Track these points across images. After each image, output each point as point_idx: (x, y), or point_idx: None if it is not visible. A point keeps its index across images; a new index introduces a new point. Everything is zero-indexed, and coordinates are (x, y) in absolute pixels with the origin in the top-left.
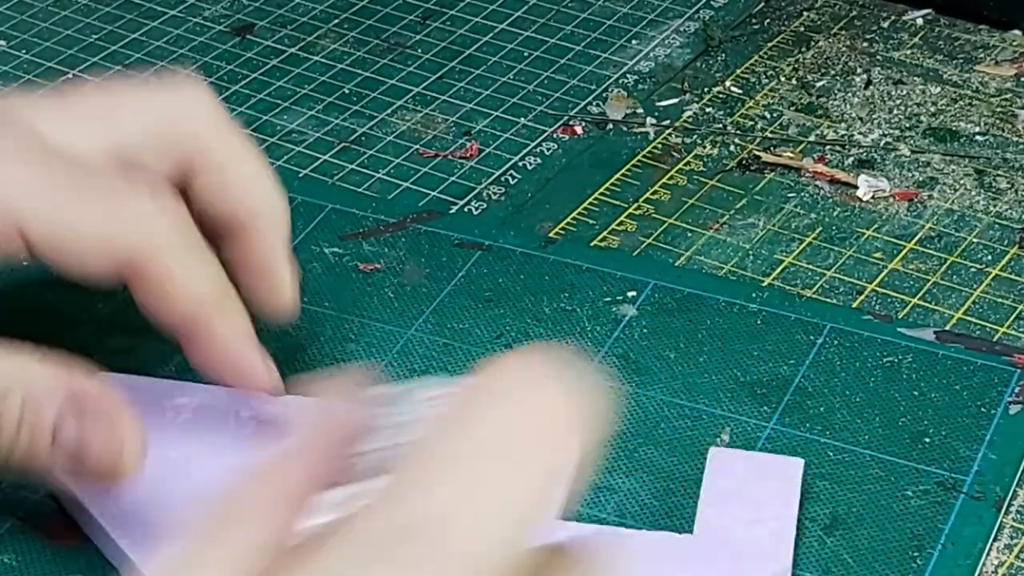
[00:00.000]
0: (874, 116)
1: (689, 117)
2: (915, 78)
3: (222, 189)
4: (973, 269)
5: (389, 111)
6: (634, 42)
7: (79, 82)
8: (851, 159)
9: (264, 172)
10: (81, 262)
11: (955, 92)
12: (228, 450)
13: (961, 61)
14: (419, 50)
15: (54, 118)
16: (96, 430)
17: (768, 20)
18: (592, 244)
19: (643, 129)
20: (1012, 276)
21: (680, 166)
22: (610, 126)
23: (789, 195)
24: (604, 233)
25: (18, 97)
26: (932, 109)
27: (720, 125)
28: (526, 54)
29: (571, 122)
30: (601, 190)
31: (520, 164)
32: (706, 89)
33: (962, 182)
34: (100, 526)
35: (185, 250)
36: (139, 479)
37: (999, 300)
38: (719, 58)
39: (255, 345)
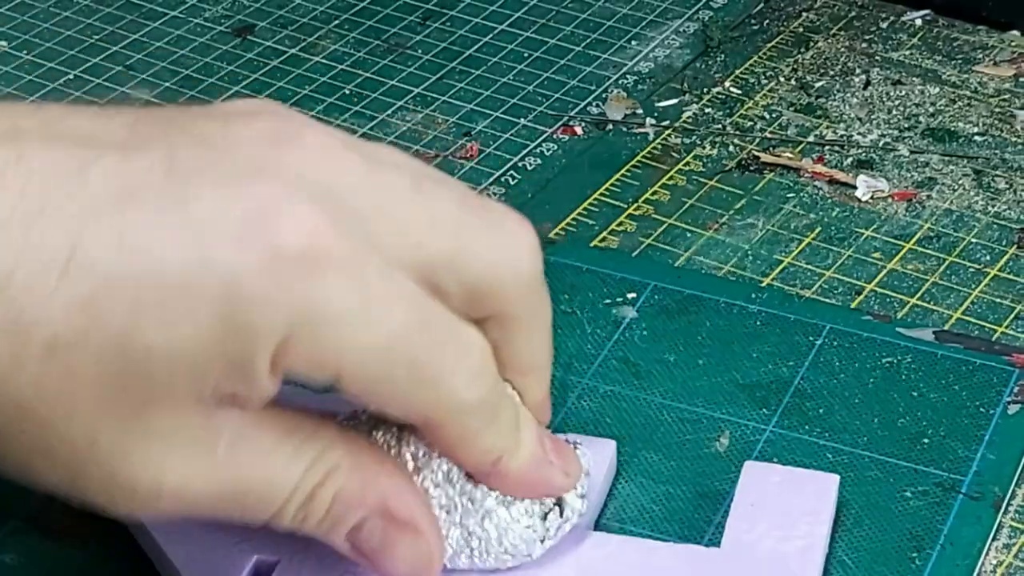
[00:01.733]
0: (873, 116)
1: (689, 118)
2: (914, 79)
3: (512, 344)
4: (972, 269)
5: (389, 112)
6: (634, 43)
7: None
8: (850, 159)
9: (549, 332)
10: (379, 409)
11: (954, 92)
12: None
13: (960, 62)
14: (419, 51)
15: (398, 219)
16: (399, 545)
17: (767, 21)
18: (592, 244)
19: (643, 129)
20: (1011, 276)
21: (680, 166)
22: (610, 126)
23: (788, 195)
24: (604, 233)
25: (345, 167)
26: (931, 109)
27: (719, 125)
28: (526, 55)
29: (571, 122)
30: (601, 190)
31: (520, 164)
32: (705, 90)
33: (961, 182)
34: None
35: (489, 414)
36: None
37: (998, 300)
38: (718, 59)
39: (547, 465)
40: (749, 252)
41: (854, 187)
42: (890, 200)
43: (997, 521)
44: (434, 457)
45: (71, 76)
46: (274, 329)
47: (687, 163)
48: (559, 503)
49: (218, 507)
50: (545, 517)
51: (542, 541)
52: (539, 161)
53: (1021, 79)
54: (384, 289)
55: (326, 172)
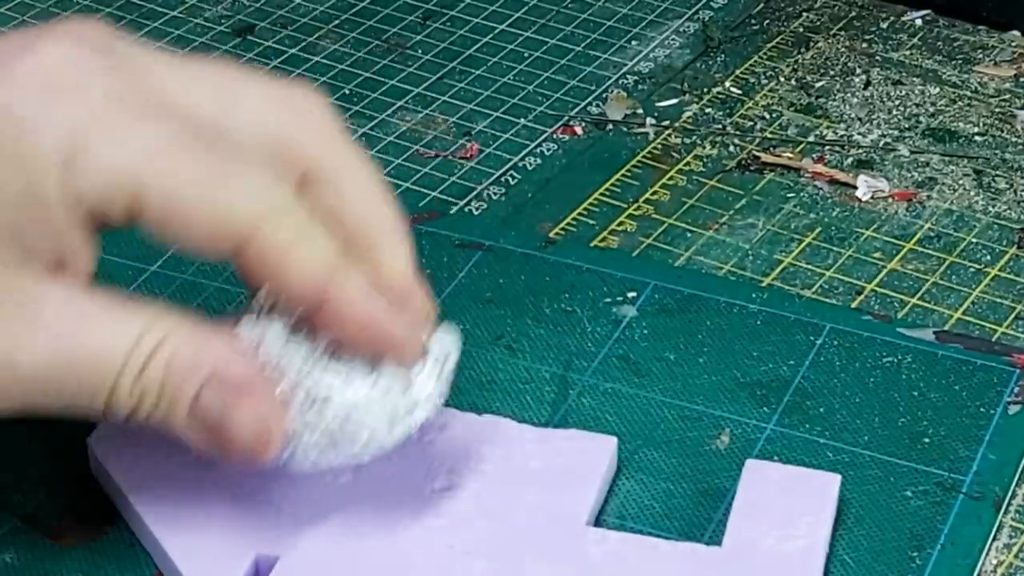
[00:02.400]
0: (873, 116)
1: (689, 118)
2: (914, 79)
3: (339, 203)
4: (972, 269)
5: (389, 112)
6: (634, 43)
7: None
8: (850, 159)
9: (383, 187)
10: (190, 235)
11: (954, 93)
12: None
13: (960, 62)
14: (419, 51)
15: (178, 77)
16: (240, 407)
17: (767, 21)
18: (592, 244)
19: (643, 129)
20: (1011, 276)
21: (680, 166)
22: (610, 126)
23: (788, 195)
24: (604, 233)
25: (133, 43)
26: (931, 109)
27: (720, 125)
28: (526, 55)
29: (571, 122)
30: (601, 190)
31: (520, 164)
32: (706, 90)
33: (961, 182)
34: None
35: (299, 222)
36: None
37: (998, 300)
38: (719, 59)
39: (388, 305)
40: (749, 252)
41: (854, 187)
42: (890, 200)
43: (997, 521)
44: (270, 342)
45: None
46: (47, 149)
47: (687, 163)
48: (406, 385)
49: (50, 384)
50: (391, 397)
51: (391, 424)
52: (539, 161)
53: (1021, 79)
54: (154, 101)
55: (100, 30)
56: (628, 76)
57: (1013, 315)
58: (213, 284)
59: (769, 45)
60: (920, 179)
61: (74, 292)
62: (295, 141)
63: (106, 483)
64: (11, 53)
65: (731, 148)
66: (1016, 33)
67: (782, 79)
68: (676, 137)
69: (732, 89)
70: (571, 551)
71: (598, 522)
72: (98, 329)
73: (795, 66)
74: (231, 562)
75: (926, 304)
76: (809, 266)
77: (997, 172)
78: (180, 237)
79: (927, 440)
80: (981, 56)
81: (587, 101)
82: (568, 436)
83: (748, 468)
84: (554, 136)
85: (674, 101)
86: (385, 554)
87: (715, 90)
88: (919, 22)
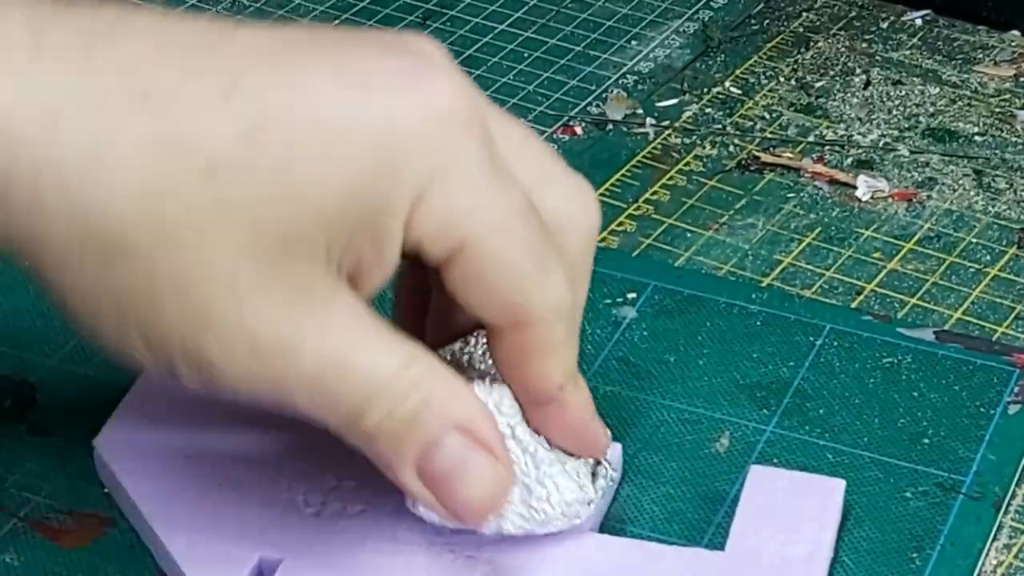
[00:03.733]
0: (873, 116)
1: (689, 118)
2: (914, 79)
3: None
4: (972, 269)
5: None
6: (634, 43)
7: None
8: (850, 159)
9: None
10: (483, 300)
11: (954, 93)
12: None
13: (960, 62)
14: None
15: (518, 150)
16: (479, 463)
17: (767, 21)
18: None
19: (643, 129)
20: (1011, 276)
21: (680, 166)
22: (610, 126)
23: (788, 195)
24: (604, 233)
25: (478, 95)
26: (931, 109)
27: (720, 125)
28: (526, 55)
29: (571, 122)
30: (601, 190)
31: None
32: (706, 90)
33: (961, 182)
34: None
35: (573, 328)
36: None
37: (998, 300)
38: (718, 59)
39: (597, 417)
40: (749, 252)
41: (854, 187)
42: (890, 200)
43: (997, 521)
44: (505, 410)
45: None
46: (418, 176)
47: (687, 163)
48: (604, 465)
49: (319, 385)
50: (594, 477)
51: (590, 503)
52: None
53: (1021, 79)
54: (507, 168)
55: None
56: (628, 76)
57: (1013, 315)
58: None
59: (769, 45)
60: (920, 179)
61: (361, 306)
62: (573, 240)
63: (111, 485)
64: (403, 71)
65: (731, 148)
66: (1016, 33)
67: (782, 79)
68: (676, 137)
69: (732, 89)
70: (574, 557)
71: (601, 528)
72: (374, 346)
73: (795, 66)
74: (235, 564)
75: (926, 304)
76: (809, 266)
77: (997, 172)
78: (470, 299)
79: (927, 441)
80: (981, 56)
81: (587, 101)
82: None
83: (752, 473)
84: (554, 136)
85: (674, 101)
86: (388, 558)
87: (715, 90)
88: (919, 22)
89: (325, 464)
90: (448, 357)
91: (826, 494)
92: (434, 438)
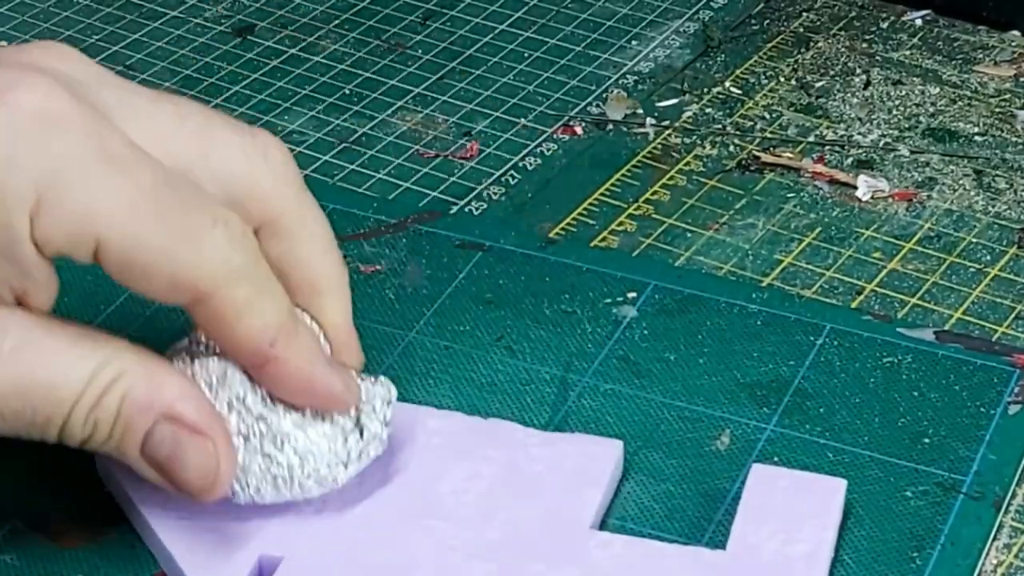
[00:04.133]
0: (873, 116)
1: (689, 118)
2: (914, 79)
3: (292, 254)
4: (972, 269)
5: (389, 112)
6: (634, 43)
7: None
8: (850, 159)
9: (332, 244)
10: (150, 286)
11: (954, 93)
12: None
13: (960, 62)
14: (419, 51)
15: (155, 123)
16: (189, 448)
17: (767, 21)
18: (592, 244)
19: (643, 129)
20: (1011, 276)
21: (680, 166)
22: (610, 126)
23: (788, 195)
24: (604, 233)
25: (112, 80)
26: (931, 109)
27: (720, 125)
28: (526, 55)
29: (571, 122)
30: (601, 190)
31: (520, 164)
32: (706, 90)
33: (961, 182)
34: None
35: (257, 283)
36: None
37: (998, 300)
38: (719, 59)
39: (327, 365)
40: (749, 252)
41: (854, 187)
42: (890, 200)
43: (998, 521)
44: (227, 382)
45: None
46: (22, 191)
47: (687, 163)
48: (360, 427)
49: (6, 410)
50: (346, 440)
51: (345, 465)
52: (539, 161)
53: (1021, 79)
54: (127, 152)
55: (74, 69)
56: (628, 76)
57: (1013, 315)
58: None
59: (769, 45)
60: (920, 179)
61: (34, 324)
62: (261, 192)
63: (111, 484)
64: None
65: (731, 148)
66: (1016, 33)
67: (782, 79)
68: (676, 137)
69: (732, 89)
70: (575, 554)
71: (602, 525)
72: (55, 362)
73: (795, 66)
74: (235, 563)
75: (926, 304)
76: (809, 266)
77: (997, 172)
78: (139, 287)
79: (927, 440)
80: (981, 56)
81: (587, 101)
82: (573, 440)
83: (754, 472)
84: (554, 136)
85: (674, 101)
86: (388, 556)
87: (715, 90)
88: (919, 22)
89: None
90: (176, 349)
91: (827, 493)
92: (143, 430)
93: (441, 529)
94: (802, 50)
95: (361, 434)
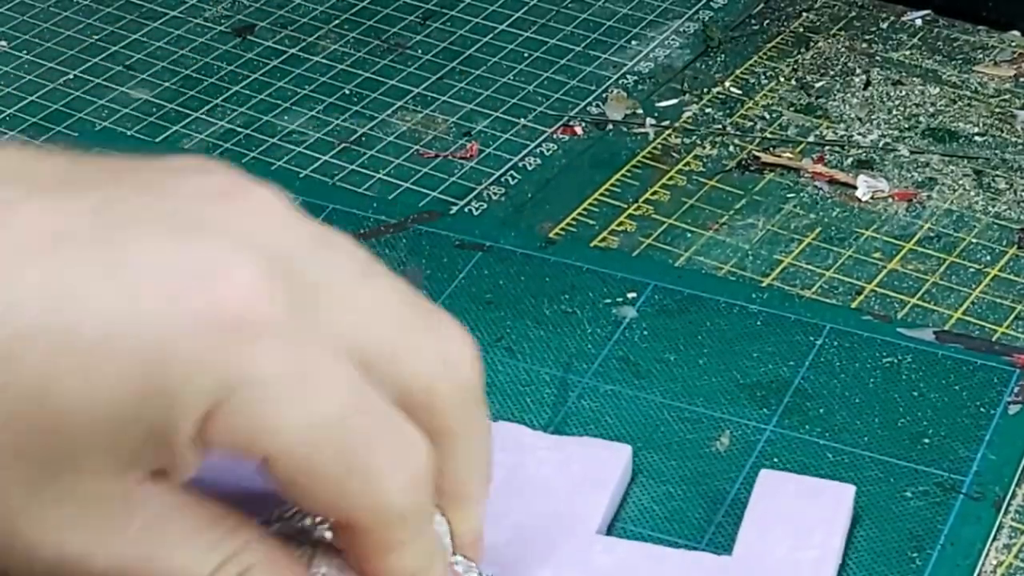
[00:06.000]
0: (873, 117)
1: (689, 118)
2: (914, 79)
3: (447, 469)
4: (972, 269)
5: (389, 112)
6: (634, 43)
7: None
8: (850, 159)
9: (488, 457)
10: (306, 501)
11: (954, 93)
12: None
13: (960, 62)
14: (419, 51)
15: (358, 307)
16: None
17: (767, 21)
18: (592, 244)
19: (643, 130)
20: (1011, 276)
21: (680, 166)
22: (610, 126)
23: (788, 195)
24: (604, 233)
25: (308, 239)
26: (931, 110)
27: (720, 126)
28: (526, 55)
29: (571, 122)
30: (601, 190)
31: (520, 164)
32: (706, 90)
33: (961, 182)
34: None
35: (417, 528)
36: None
37: (998, 300)
38: (718, 59)
39: None
40: (749, 252)
41: (854, 187)
42: (890, 200)
43: (997, 521)
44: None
45: (71, 76)
46: (199, 396)
47: (687, 163)
48: None
49: None
50: None
51: None
52: (539, 161)
53: (1021, 79)
54: (323, 366)
55: (275, 236)
56: (628, 76)
57: (1013, 315)
58: None
59: (769, 45)
60: (920, 179)
61: (168, 504)
62: (439, 406)
63: None
64: (184, 264)
65: (731, 148)
66: (1016, 33)
67: (782, 79)
68: (676, 137)
69: (732, 89)
70: (580, 559)
71: (610, 531)
72: (181, 550)
73: (795, 66)
74: None
75: (926, 304)
76: (809, 266)
77: (997, 172)
78: (297, 499)
79: (927, 440)
80: (981, 56)
81: (587, 101)
82: (582, 443)
83: (762, 478)
84: (554, 136)
85: (674, 101)
86: None
87: (715, 90)
88: (919, 22)
89: None
90: (287, 516)
91: (836, 499)
92: None
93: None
94: (802, 50)
95: None
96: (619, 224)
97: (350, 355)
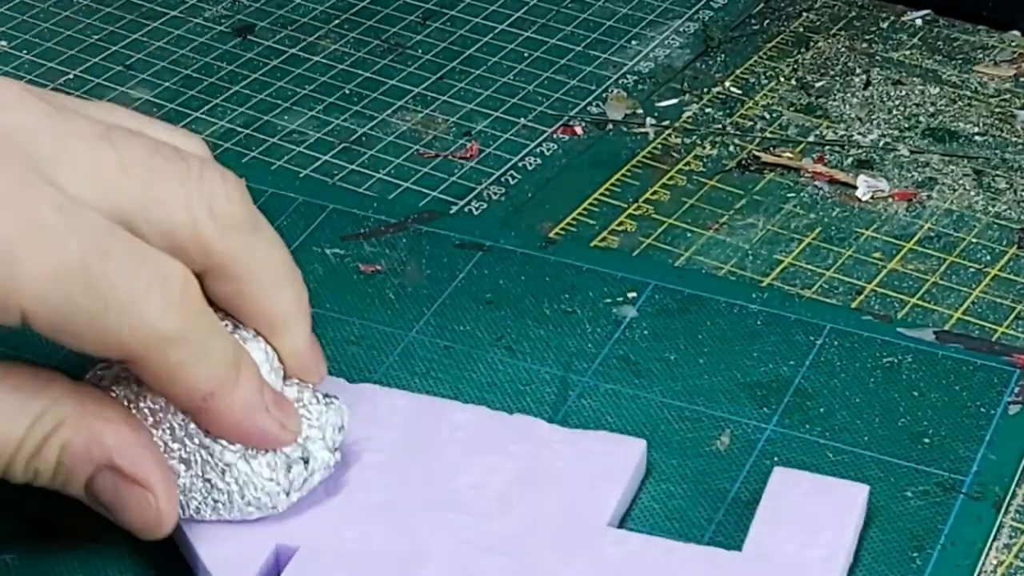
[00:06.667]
0: (873, 116)
1: (689, 117)
2: (914, 78)
3: (241, 296)
4: (972, 269)
5: (389, 111)
6: (634, 42)
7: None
8: (850, 159)
9: (286, 277)
10: (82, 348)
11: (954, 92)
12: None
13: (960, 62)
14: (419, 50)
15: (102, 167)
16: (130, 496)
17: (767, 21)
18: (592, 244)
19: (643, 129)
20: (1011, 276)
21: (680, 166)
22: (610, 126)
23: (788, 195)
24: (604, 233)
25: (35, 116)
26: (931, 109)
27: (720, 125)
28: (526, 54)
29: (571, 122)
30: (601, 190)
31: (520, 164)
32: (706, 89)
33: (961, 182)
34: None
35: (193, 344)
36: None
37: (998, 300)
38: (718, 59)
39: (264, 412)
40: (749, 252)
41: (854, 187)
42: (890, 200)
43: (998, 521)
44: (171, 411)
45: (71, 76)
46: None
47: (687, 163)
48: (305, 456)
49: None
50: (289, 469)
51: (287, 494)
52: (539, 161)
53: (1021, 79)
54: (57, 220)
55: (9, 116)
56: (628, 76)
57: (1013, 315)
58: None
59: (769, 45)
60: (920, 179)
61: None
62: (204, 243)
63: None
64: None
65: (731, 148)
66: (1016, 33)
67: (782, 79)
68: (676, 137)
69: (732, 89)
70: (589, 551)
71: (622, 525)
72: None
73: (795, 66)
74: (251, 551)
75: (926, 304)
76: (809, 266)
77: (997, 172)
78: (69, 342)
79: (927, 440)
80: (981, 56)
81: (587, 101)
82: (597, 438)
83: (775, 475)
84: (554, 136)
85: (674, 101)
86: (403, 549)
87: (715, 90)
88: (919, 22)
89: (349, 456)
90: (110, 372)
91: (848, 498)
92: (85, 476)
93: (457, 522)
94: (802, 50)
95: (306, 464)
96: (619, 224)
97: (103, 214)
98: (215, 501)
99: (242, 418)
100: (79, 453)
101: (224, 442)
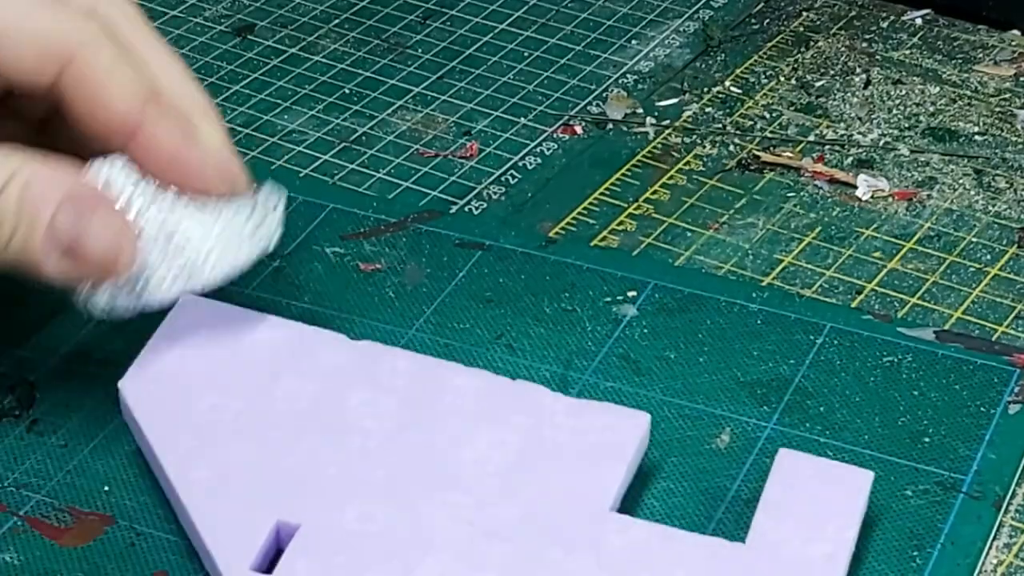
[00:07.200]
0: (873, 116)
1: (689, 117)
2: (914, 78)
3: (154, 79)
4: (972, 269)
5: (389, 111)
6: (634, 42)
7: None
8: (850, 159)
9: (190, 74)
10: (17, 58)
11: (954, 92)
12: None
13: (960, 61)
14: (419, 50)
15: None
16: (93, 222)
17: (767, 20)
18: (592, 244)
19: (643, 129)
20: (1011, 276)
21: (680, 166)
22: (610, 126)
23: (788, 195)
24: (604, 233)
25: None
26: (931, 109)
27: (720, 125)
28: (526, 54)
29: (571, 122)
30: (601, 190)
31: (520, 164)
32: (706, 89)
33: (961, 182)
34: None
35: (119, 49)
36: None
37: (998, 300)
38: (719, 58)
39: (198, 142)
40: (749, 251)
41: (854, 186)
42: (890, 199)
43: (998, 520)
44: (126, 180)
45: None
46: None
47: (687, 162)
48: (254, 213)
49: None
50: (248, 218)
51: (237, 250)
52: (539, 161)
53: (1021, 79)
54: None
55: None
56: (628, 76)
57: (1013, 315)
58: None
59: (769, 45)
60: (920, 179)
61: None
62: (111, 22)
63: (134, 430)
64: None
65: (731, 148)
66: (1016, 33)
67: (782, 79)
68: (676, 137)
69: (732, 89)
70: (593, 538)
71: (625, 501)
72: None
73: (795, 66)
74: (252, 528)
75: (926, 304)
76: (809, 266)
77: (997, 172)
78: (7, 61)
79: (927, 440)
80: (981, 56)
81: (587, 101)
82: (601, 409)
83: (780, 457)
84: (554, 136)
85: (674, 101)
86: (405, 530)
87: (715, 90)
88: (919, 22)
89: (351, 424)
90: None
91: (853, 486)
92: (47, 217)
93: (460, 503)
94: (802, 50)
95: (256, 226)
96: (619, 223)
97: None
98: (175, 266)
99: (180, 139)
100: (39, 192)
101: (181, 207)
